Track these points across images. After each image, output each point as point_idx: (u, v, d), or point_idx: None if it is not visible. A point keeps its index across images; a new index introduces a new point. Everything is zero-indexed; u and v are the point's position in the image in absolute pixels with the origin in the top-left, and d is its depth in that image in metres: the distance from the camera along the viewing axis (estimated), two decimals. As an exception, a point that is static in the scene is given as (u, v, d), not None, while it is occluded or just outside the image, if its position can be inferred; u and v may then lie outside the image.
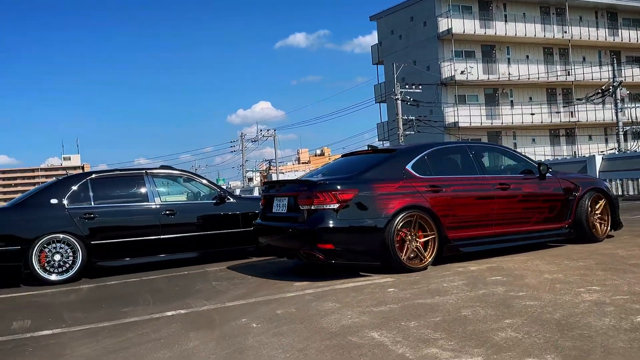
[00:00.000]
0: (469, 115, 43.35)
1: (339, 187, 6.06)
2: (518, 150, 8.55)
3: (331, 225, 5.89)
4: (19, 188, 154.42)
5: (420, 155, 6.66)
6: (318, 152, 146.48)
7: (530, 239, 7.08)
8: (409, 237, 6.13)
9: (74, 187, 7.70)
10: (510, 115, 44.54)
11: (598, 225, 7.44)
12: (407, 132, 35.87)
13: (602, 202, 7.46)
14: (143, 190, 8.00)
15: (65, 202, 7.56)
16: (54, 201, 7.53)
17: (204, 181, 8.68)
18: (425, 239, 6.24)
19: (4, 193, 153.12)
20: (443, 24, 42.61)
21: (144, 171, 8.19)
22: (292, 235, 6.26)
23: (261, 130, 49.86)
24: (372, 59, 51.02)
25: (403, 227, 6.10)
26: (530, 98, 45.94)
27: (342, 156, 7.76)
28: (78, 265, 7.39)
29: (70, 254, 7.38)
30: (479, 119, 43.78)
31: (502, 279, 5.49)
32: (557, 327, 3.76)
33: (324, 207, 5.91)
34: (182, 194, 8.90)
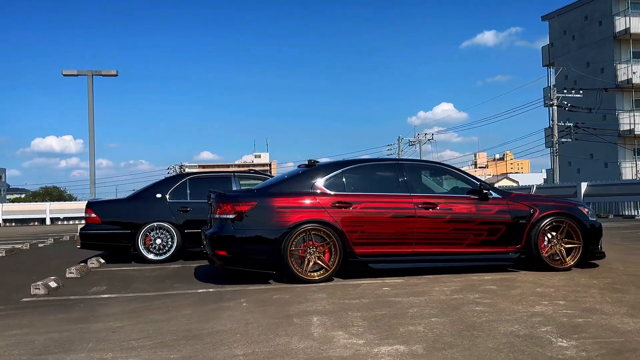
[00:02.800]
0: (647, 123, 39.76)
1: (237, 199, 6.64)
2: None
3: (226, 234, 6.45)
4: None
5: (337, 171, 6.89)
6: (497, 156, 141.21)
7: (464, 261, 6.90)
8: (309, 250, 6.43)
9: (175, 185, 9.33)
10: (700, 122, 39.99)
11: (562, 252, 6.95)
12: (563, 139, 34.01)
13: (566, 228, 6.95)
14: (230, 189, 9.39)
15: (167, 196, 9.22)
16: (158, 195, 9.23)
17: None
18: (327, 253, 6.48)
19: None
20: (620, 24, 39.61)
21: (232, 173, 9.61)
22: (205, 241, 6.85)
23: (418, 135, 50.14)
24: (542, 60, 48.81)
25: (303, 240, 6.42)
26: None
27: (298, 167, 7.87)
28: (173, 249, 9.01)
29: (169, 239, 9.02)
30: (660, 126, 39.94)
31: (492, 287, 5.90)
32: (464, 328, 4.27)
33: (224, 216, 6.50)
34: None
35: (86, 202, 10.00)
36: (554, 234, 6.99)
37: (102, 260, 9.04)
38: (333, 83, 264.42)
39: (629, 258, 8.11)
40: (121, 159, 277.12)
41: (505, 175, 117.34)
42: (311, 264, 6.46)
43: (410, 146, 53.76)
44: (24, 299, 6.10)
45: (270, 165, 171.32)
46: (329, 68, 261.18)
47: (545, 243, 6.97)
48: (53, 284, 6.65)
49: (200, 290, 6.27)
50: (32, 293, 6.32)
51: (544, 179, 58.17)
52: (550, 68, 40.76)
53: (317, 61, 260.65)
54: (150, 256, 8.92)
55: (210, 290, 6.28)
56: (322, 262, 6.48)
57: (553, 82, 36.73)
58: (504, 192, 7.21)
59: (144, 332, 4.44)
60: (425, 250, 6.76)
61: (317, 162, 7.25)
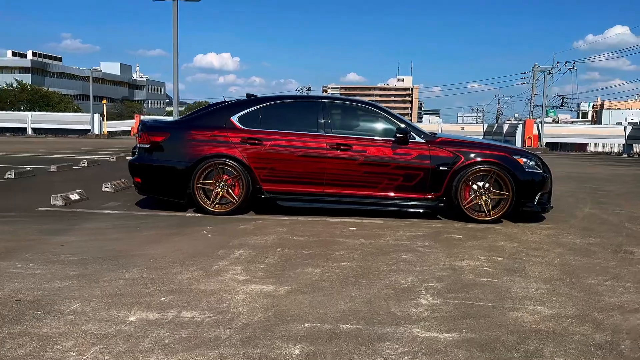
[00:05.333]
0: None
1: (153, 129, 6.88)
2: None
3: (140, 162, 6.81)
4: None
5: (255, 107, 6.88)
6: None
7: (377, 205, 6.71)
8: (217, 183, 6.64)
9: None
10: None
11: (487, 204, 6.58)
12: None
13: (494, 178, 6.57)
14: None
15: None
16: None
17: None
18: (237, 187, 6.64)
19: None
20: None
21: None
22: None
23: (557, 63, 46.16)
24: None
25: (211, 174, 6.63)
26: None
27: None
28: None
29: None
30: None
31: (456, 237, 5.79)
32: (357, 275, 4.32)
33: (142, 146, 6.82)
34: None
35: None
36: (481, 183, 6.59)
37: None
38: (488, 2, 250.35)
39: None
40: (273, 77, 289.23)
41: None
42: (217, 196, 6.69)
43: (548, 75, 50.02)
44: (40, 208, 6.98)
45: (412, 89, 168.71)
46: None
47: (470, 193, 6.59)
48: (74, 197, 7.49)
49: (188, 215, 6.75)
50: (51, 203, 7.19)
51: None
52: None
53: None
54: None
55: (198, 215, 6.73)
56: (230, 195, 6.68)
57: None
58: (430, 136, 6.81)
59: (84, 248, 4.99)
60: (335, 191, 6.69)
61: (254, 95, 7.33)
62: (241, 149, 6.66)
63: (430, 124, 56.64)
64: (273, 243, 5.33)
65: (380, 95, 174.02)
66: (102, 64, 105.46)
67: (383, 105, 7.60)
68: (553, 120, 63.37)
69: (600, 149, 38.84)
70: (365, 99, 8.96)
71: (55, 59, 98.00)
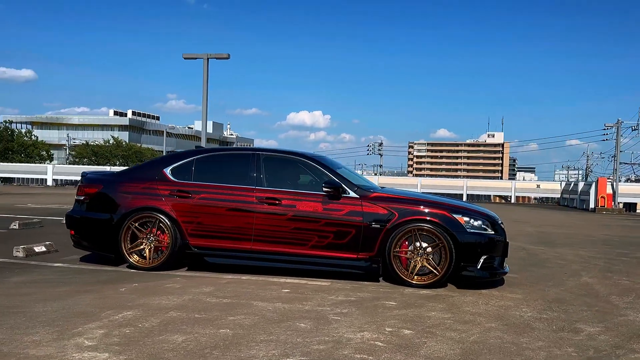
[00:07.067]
0: None
1: (88, 181, 6.71)
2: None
3: (73, 214, 6.75)
4: (444, 160, 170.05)
5: (189, 159, 6.73)
6: None
7: (307, 264, 6.26)
8: (145, 237, 6.43)
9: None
10: None
11: (424, 267, 5.97)
12: None
13: (431, 237, 5.97)
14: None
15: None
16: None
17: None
18: (166, 242, 6.39)
19: (431, 164, 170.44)
20: None
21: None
22: None
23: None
24: None
25: (140, 226, 6.43)
26: None
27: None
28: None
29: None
30: None
31: (389, 304, 5.20)
32: (218, 346, 3.90)
33: (78, 197, 6.77)
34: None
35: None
36: (418, 244, 5.98)
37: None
38: (584, 54, 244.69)
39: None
40: (362, 134, 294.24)
41: None
42: (148, 251, 6.47)
43: (633, 131, 47.45)
44: (-1, 260, 7.02)
45: (502, 145, 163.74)
46: (578, 35, 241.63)
47: (405, 254, 6.00)
48: (40, 249, 7.49)
49: (131, 271, 6.49)
50: (13, 255, 7.21)
51: None
52: None
53: (558, 31, 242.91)
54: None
55: (139, 272, 6.43)
56: (158, 250, 6.47)
57: None
58: (364, 191, 6.28)
59: (-23, 303, 4.87)
60: (264, 248, 6.30)
61: (201, 147, 7.19)
62: (169, 202, 6.46)
63: (503, 182, 55.04)
64: (176, 304, 4.98)
65: (469, 152, 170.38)
66: (195, 122, 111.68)
67: (327, 156, 7.24)
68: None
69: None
70: (311, 151, 8.68)
71: (153, 117, 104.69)
